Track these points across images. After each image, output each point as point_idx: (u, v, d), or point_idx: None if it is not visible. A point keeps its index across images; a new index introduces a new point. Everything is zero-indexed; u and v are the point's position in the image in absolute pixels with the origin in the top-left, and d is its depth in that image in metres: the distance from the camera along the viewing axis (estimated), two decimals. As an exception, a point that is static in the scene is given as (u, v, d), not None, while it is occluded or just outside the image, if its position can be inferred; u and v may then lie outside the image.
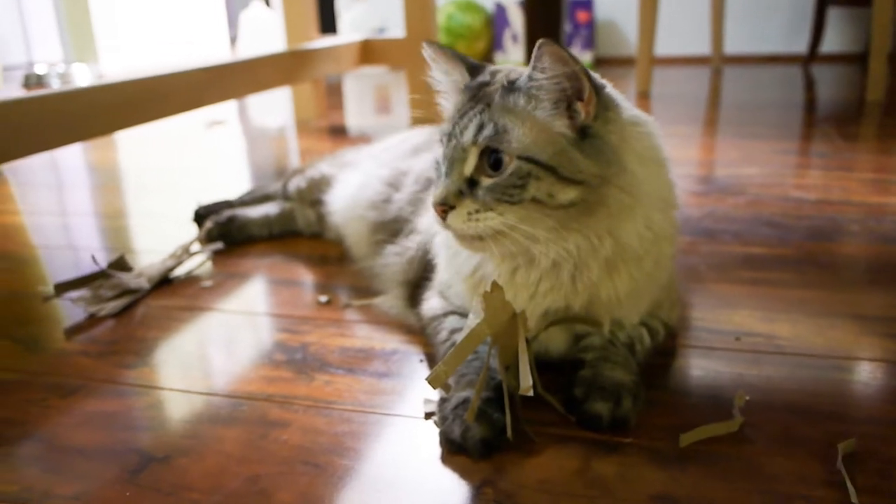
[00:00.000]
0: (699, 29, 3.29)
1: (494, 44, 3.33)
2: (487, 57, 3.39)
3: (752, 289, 0.88)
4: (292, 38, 2.08)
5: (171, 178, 1.59)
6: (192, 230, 1.17)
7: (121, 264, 0.96)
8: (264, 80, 1.65)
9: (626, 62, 3.41)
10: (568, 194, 0.59)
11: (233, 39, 5.05)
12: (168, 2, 4.30)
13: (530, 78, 0.60)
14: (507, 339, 0.61)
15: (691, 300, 0.85)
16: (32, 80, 3.50)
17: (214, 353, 0.79)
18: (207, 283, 0.97)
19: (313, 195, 1.11)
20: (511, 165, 0.59)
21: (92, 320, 0.88)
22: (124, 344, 0.81)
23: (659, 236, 0.65)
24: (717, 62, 3.05)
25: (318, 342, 0.79)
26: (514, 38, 3.26)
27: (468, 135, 0.61)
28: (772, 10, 3.25)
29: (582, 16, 3.21)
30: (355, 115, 2.39)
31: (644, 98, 2.42)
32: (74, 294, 0.91)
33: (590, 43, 3.22)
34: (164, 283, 0.98)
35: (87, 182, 1.64)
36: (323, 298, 0.90)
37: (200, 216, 1.19)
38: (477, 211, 0.60)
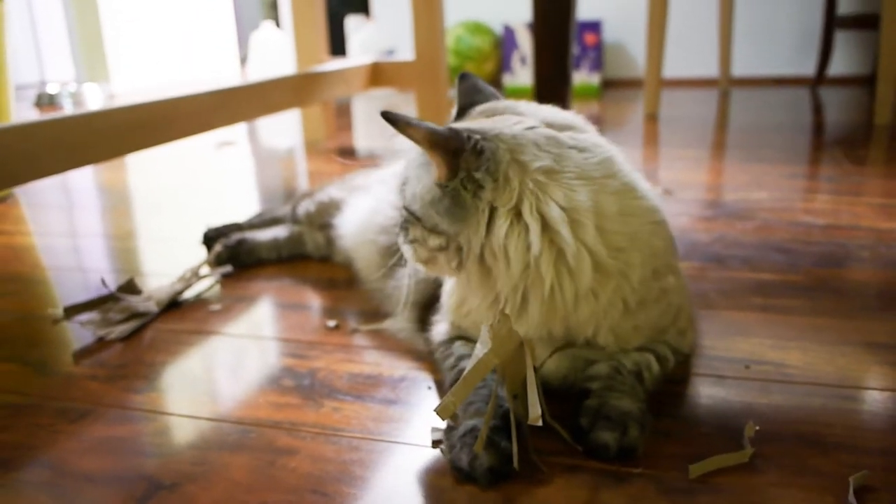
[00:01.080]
0: (707, 51, 3.30)
1: (503, 66, 3.34)
2: (496, 78, 3.40)
3: (763, 316, 0.88)
4: (302, 61, 2.10)
5: (180, 200, 1.60)
6: (201, 253, 1.17)
7: (130, 287, 0.97)
8: (275, 103, 1.66)
9: (634, 84, 3.42)
10: (435, 241, 0.66)
11: (243, 59, 5.09)
12: (179, 22, 4.34)
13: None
14: (514, 367, 0.61)
15: (702, 327, 0.85)
16: (44, 100, 3.54)
17: (222, 378, 0.79)
18: (216, 306, 0.97)
19: (322, 219, 1.11)
20: (405, 214, 0.68)
21: (100, 344, 0.88)
22: (133, 368, 0.81)
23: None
24: (725, 84, 3.06)
25: (326, 368, 0.79)
26: (523, 60, 3.28)
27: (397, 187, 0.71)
28: (779, 32, 3.26)
29: (590, 38, 3.22)
30: (364, 136, 2.40)
31: (652, 120, 2.43)
32: (84, 317, 0.91)
33: (598, 65, 3.24)
34: (172, 306, 0.98)
35: (96, 203, 1.65)
36: (331, 323, 0.90)
37: (209, 239, 1.20)
38: (403, 241, 0.70)
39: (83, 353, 0.86)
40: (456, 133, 0.62)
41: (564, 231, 0.62)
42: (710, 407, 0.68)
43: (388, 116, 0.64)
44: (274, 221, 1.23)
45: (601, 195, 0.64)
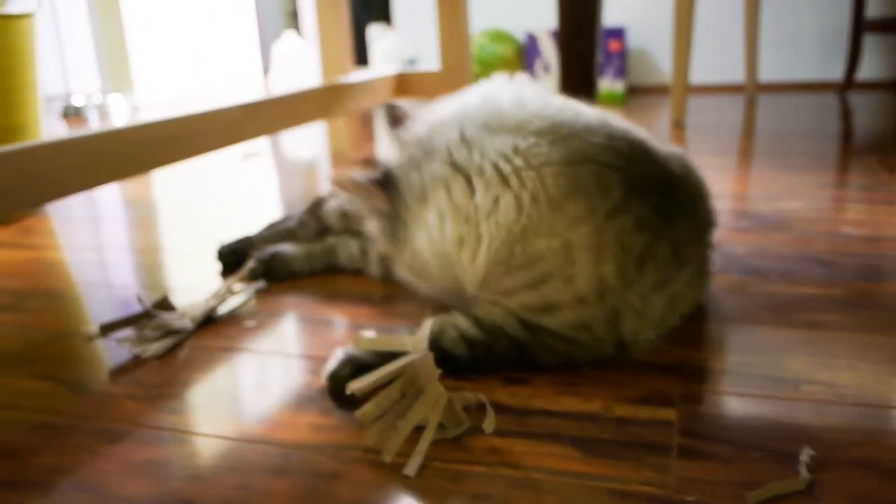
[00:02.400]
0: (732, 56, 3.27)
1: (525, 73, 3.33)
2: (518, 86, 3.39)
3: (807, 333, 0.86)
4: (328, 71, 2.10)
5: (204, 213, 1.60)
6: (219, 274, 1.17)
7: (164, 304, 0.96)
8: (301, 115, 1.66)
9: (658, 90, 3.40)
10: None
11: (266, 69, 5.11)
12: (202, 32, 4.36)
13: None
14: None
15: (745, 344, 0.83)
16: (71, 112, 3.57)
17: (261, 398, 0.78)
18: (250, 323, 0.97)
19: (359, 221, 1.11)
20: None
21: (135, 362, 0.87)
22: (169, 387, 0.80)
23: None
24: (751, 90, 3.02)
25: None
26: (546, 67, 3.27)
27: None
28: (806, 36, 3.23)
29: (614, 45, 3.21)
30: (387, 146, 2.39)
31: (679, 127, 2.40)
32: (120, 335, 0.91)
33: (621, 72, 3.22)
34: (206, 322, 0.97)
35: (122, 216, 1.66)
36: (368, 333, 0.89)
37: (224, 255, 1.19)
38: None
39: (119, 372, 0.85)
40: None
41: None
42: (761, 430, 0.67)
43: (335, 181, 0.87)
44: (288, 234, 1.22)
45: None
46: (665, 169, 0.81)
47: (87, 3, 4.00)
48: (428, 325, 0.67)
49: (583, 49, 2.24)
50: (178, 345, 0.91)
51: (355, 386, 0.65)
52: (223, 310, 1.00)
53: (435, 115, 0.88)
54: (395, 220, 0.85)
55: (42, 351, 0.92)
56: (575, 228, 0.73)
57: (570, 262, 0.73)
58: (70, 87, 4.59)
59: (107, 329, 0.91)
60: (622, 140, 0.80)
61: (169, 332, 0.92)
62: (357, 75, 1.91)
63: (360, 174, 0.84)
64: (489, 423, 0.65)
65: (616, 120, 0.85)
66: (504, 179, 0.77)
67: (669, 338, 0.85)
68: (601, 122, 0.82)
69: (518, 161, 0.77)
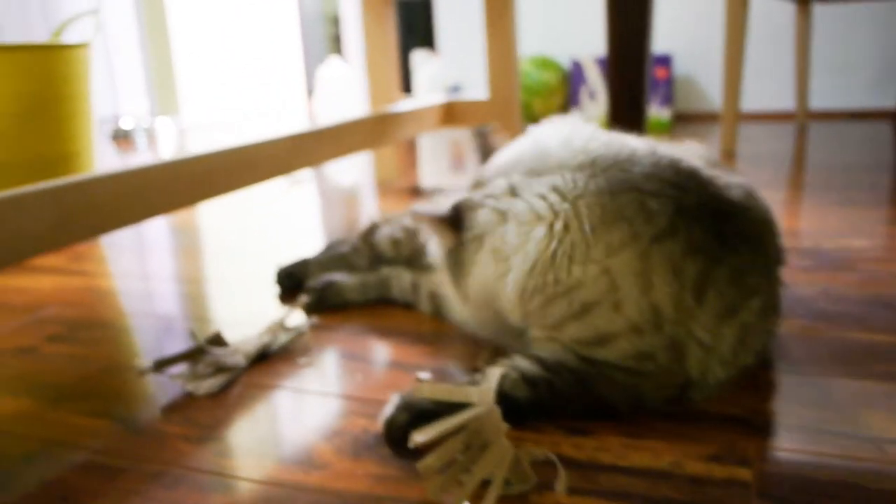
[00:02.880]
0: (782, 83, 3.21)
1: (571, 100, 3.31)
2: (564, 113, 3.37)
3: (886, 386, 0.81)
4: (376, 99, 2.10)
5: (249, 241, 1.60)
6: (270, 299, 1.16)
7: (217, 340, 0.95)
8: (349, 145, 1.65)
9: (705, 118, 3.35)
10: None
11: (310, 91, 5.17)
12: (247, 56, 4.42)
13: None
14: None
15: (821, 397, 0.79)
16: (120, 135, 3.63)
17: (318, 442, 0.76)
18: (304, 360, 0.95)
19: (412, 246, 1.11)
20: None
21: (187, 399, 0.86)
22: (223, 429, 0.79)
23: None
24: (803, 118, 2.97)
25: (422, 434, 0.75)
26: (591, 94, 3.25)
27: None
28: (858, 63, 3.16)
29: (660, 72, 3.17)
30: (430, 173, 2.39)
31: (730, 157, 2.36)
32: (174, 370, 0.91)
33: (668, 99, 3.18)
34: (259, 359, 0.96)
35: (169, 244, 1.66)
36: (424, 375, 0.87)
37: (281, 278, 1.21)
38: None
39: (172, 409, 0.84)
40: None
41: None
42: (846, 497, 0.63)
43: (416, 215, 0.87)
44: (341, 258, 1.21)
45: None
46: (722, 195, 0.77)
47: (137, 28, 4.08)
48: (495, 376, 0.64)
49: (632, 76, 2.21)
50: (231, 382, 0.90)
51: (419, 439, 0.63)
52: (276, 345, 0.99)
53: (495, 162, 0.87)
54: (457, 257, 0.84)
55: (96, 385, 0.92)
56: (615, 255, 0.71)
57: (614, 288, 0.70)
58: (119, 109, 4.68)
59: (161, 365, 0.90)
60: (670, 168, 0.76)
61: (221, 368, 0.91)
62: (405, 104, 1.91)
63: (435, 209, 0.84)
64: (561, 484, 0.62)
65: (668, 149, 0.82)
66: (538, 216, 0.76)
67: (739, 386, 0.82)
68: (649, 152, 0.79)
69: (553, 197, 0.76)
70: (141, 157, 3.11)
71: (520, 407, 0.73)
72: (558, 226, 0.74)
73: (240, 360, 0.93)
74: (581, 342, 0.73)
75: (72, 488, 0.69)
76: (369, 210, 1.85)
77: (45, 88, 1.51)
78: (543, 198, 0.77)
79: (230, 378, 0.90)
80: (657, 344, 0.71)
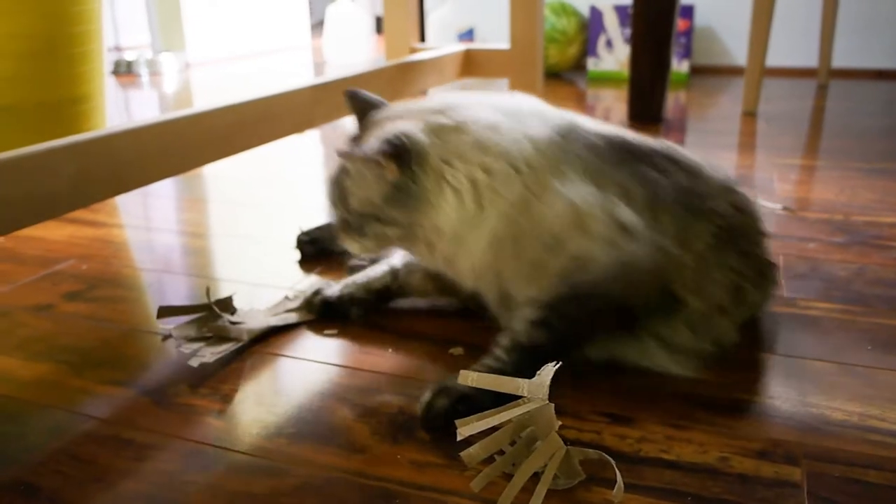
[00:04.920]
0: (806, 39, 3.14)
1: (588, 49, 3.23)
2: (580, 63, 3.29)
3: (933, 379, 0.80)
4: (392, 47, 2.04)
5: (266, 195, 1.57)
6: (285, 259, 1.14)
7: (226, 305, 0.93)
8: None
9: (723, 72, 3.28)
10: (393, 232, 0.81)
11: (313, 26, 5.05)
12: (253, -9, 4.29)
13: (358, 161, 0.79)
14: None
15: (864, 390, 0.77)
16: (122, 67, 3.54)
17: (354, 423, 0.74)
18: (330, 331, 0.93)
19: None
20: (352, 218, 0.82)
21: (212, 369, 0.84)
22: (254, 405, 0.77)
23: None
24: (825, 76, 2.90)
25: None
26: (609, 43, 3.16)
27: (331, 198, 0.85)
28: (883, 22, 3.08)
29: (681, 23, 3.09)
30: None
31: (750, 118, 2.31)
32: (174, 323, 0.91)
33: (687, 52, 3.10)
34: (262, 338, 0.92)
35: (185, 195, 1.63)
36: (456, 351, 0.86)
37: (302, 243, 1.17)
38: (354, 240, 0.84)
39: (198, 381, 0.82)
40: (399, 140, 0.76)
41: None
42: (902, 501, 0.61)
43: (341, 153, 0.80)
44: None
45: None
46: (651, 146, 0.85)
47: (140, -42, 3.94)
48: (549, 372, 0.62)
49: (659, 24, 2.13)
50: (232, 351, 0.87)
51: (466, 432, 0.61)
52: (283, 323, 0.95)
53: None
54: (411, 191, 0.78)
55: (117, 350, 0.90)
56: (574, 185, 0.76)
57: (578, 215, 0.75)
58: (119, 41, 4.56)
59: (164, 313, 0.89)
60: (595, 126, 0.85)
61: (223, 337, 0.89)
62: (426, 53, 1.85)
63: (367, 146, 0.77)
64: (618, 493, 0.60)
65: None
66: (500, 154, 0.78)
67: (782, 375, 0.80)
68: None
69: (509, 137, 0.79)
70: (145, 93, 3.04)
71: (546, 351, 0.72)
72: (524, 167, 0.77)
73: (243, 335, 0.89)
74: (563, 274, 0.75)
75: (105, 469, 0.67)
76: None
77: (55, 28, 1.45)
78: (497, 130, 0.79)
79: (229, 350, 0.87)
80: (636, 250, 0.75)
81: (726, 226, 0.82)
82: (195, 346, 0.87)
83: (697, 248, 0.79)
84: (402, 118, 0.82)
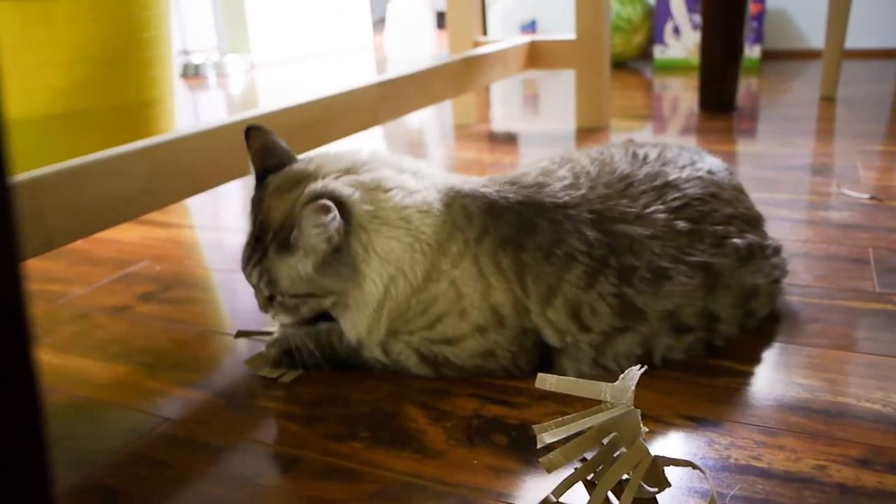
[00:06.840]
0: (886, 18, 2.99)
1: (654, 37, 3.15)
2: (646, 52, 3.21)
3: None
4: (456, 42, 2.02)
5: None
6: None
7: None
8: (438, 92, 1.59)
9: (797, 55, 3.16)
10: (327, 301, 0.77)
11: (375, 24, 5.07)
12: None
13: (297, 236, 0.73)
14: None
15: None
16: (190, 70, 3.62)
17: (427, 425, 0.72)
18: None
19: None
20: (285, 299, 0.77)
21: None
22: (328, 408, 0.76)
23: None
24: (906, 58, 2.75)
25: (538, 421, 0.71)
26: (676, 30, 3.08)
27: (254, 279, 0.78)
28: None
29: (752, 7, 2.98)
30: (502, 118, 2.30)
31: (828, 103, 2.21)
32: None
33: (759, 36, 2.99)
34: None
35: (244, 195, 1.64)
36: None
37: None
38: (286, 315, 0.80)
39: (271, 384, 0.82)
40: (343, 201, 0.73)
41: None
42: None
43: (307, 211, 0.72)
44: None
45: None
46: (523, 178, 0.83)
47: (205, -38, 4.02)
48: (634, 376, 0.59)
49: (731, 9, 2.06)
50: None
51: (548, 439, 0.59)
52: None
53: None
54: (342, 261, 0.75)
55: (194, 353, 0.90)
56: (456, 266, 0.76)
57: (459, 297, 0.76)
58: (186, 44, 4.66)
59: (242, 335, 0.90)
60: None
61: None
62: (491, 46, 1.82)
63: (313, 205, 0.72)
64: None
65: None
66: (408, 228, 0.77)
67: (878, 377, 0.75)
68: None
69: (416, 209, 0.77)
70: (212, 94, 3.10)
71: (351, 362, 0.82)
72: (426, 247, 0.76)
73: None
74: (430, 340, 0.78)
75: (184, 472, 0.67)
76: (449, 157, 1.79)
77: (125, 34, 1.47)
78: (410, 195, 0.77)
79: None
80: (500, 340, 0.77)
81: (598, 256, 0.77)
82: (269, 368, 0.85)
83: (558, 302, 0.76)
84: (331, 176, 0.78)
